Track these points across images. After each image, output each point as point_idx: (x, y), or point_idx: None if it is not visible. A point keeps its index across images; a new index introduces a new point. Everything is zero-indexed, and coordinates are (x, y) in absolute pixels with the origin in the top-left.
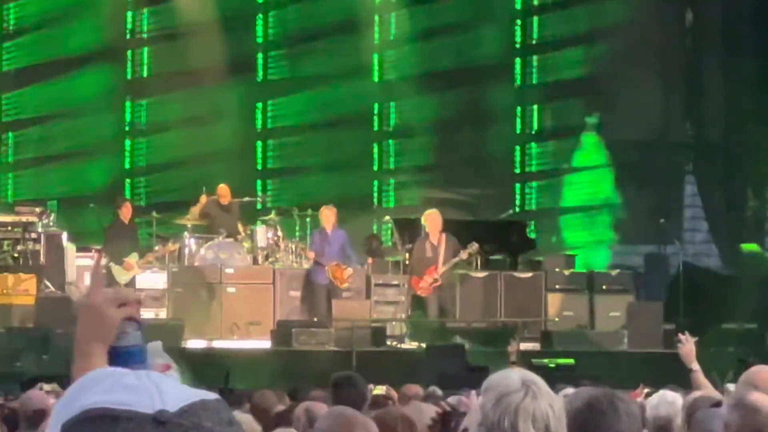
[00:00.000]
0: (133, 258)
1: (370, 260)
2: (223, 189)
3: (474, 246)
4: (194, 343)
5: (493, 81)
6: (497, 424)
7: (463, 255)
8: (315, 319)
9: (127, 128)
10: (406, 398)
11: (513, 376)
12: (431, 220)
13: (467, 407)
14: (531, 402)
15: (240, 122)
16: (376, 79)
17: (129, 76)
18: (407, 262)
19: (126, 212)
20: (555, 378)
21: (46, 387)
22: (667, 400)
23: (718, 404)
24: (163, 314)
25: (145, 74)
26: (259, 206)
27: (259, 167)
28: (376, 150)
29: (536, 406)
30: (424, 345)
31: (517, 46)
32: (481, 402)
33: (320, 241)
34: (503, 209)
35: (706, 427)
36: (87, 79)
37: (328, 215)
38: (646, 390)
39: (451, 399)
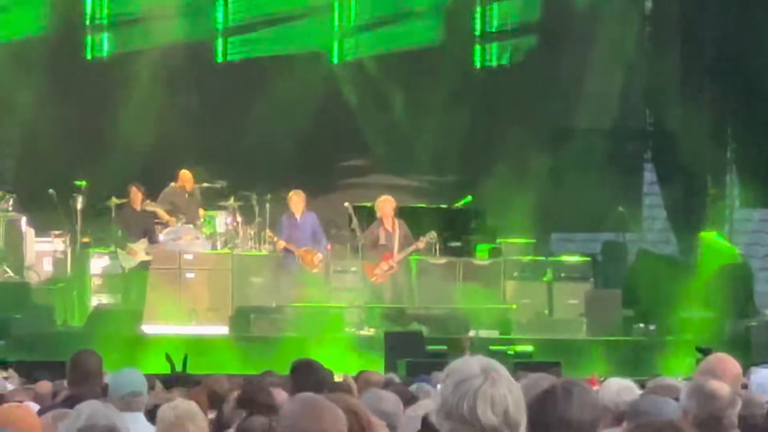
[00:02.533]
0: (141, 244)
1: (328, 246)
2: (185, 174)
3: (432, 234)
4: (152, 329)
5: (453, 67)
6: (456, 409)
7: (420, 244)
8: (274, 305)
9: None
10: (365, 385)
11: (473, 362)
12: (384, 206)
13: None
14: (490, 387)
15: None
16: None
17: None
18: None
19: (135, 198)
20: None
21: (3, 373)
22: (627, 387)
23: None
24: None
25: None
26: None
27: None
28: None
29: (495, 391)
30: (382, 331)
31: (477, 33)
32: (441, 387)
33: (289, 227)
34: (462, 196)
35: (656, 413)
36: None
37: (296, 201)
38: (602, 378)
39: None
